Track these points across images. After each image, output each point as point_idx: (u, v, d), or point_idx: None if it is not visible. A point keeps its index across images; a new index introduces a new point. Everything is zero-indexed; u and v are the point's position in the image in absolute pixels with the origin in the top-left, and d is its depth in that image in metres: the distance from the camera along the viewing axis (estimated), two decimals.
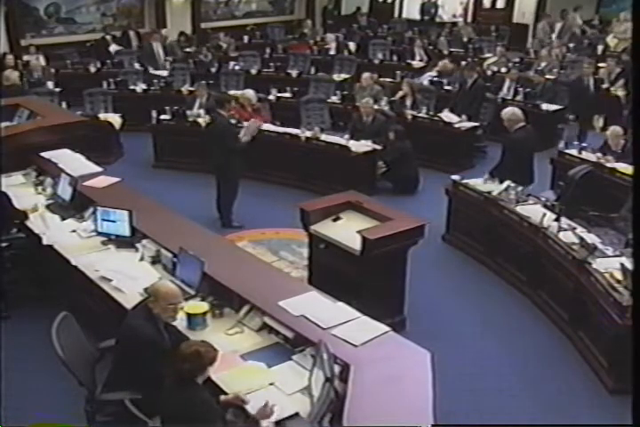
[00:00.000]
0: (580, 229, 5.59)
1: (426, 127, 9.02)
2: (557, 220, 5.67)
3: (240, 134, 6.98)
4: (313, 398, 3.36)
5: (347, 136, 8.29)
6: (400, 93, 9.71)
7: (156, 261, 4.83)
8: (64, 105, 9.28)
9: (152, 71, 11.92)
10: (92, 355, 3.95)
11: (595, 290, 4.89)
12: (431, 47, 13.85)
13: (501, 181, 6.53)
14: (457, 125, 8.83)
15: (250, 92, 9.04)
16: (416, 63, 12.55)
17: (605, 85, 10.65)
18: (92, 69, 11.78)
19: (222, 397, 3.44)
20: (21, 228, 5.44)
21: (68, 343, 3.68)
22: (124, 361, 3.74)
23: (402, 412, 3.13)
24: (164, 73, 11.83)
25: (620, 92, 10.23)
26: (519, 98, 9.89)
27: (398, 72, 11.44)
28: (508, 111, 6.94)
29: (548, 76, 10.98)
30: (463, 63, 11.75)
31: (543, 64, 11.67)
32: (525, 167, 6.79)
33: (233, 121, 7.54)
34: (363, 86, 10.02)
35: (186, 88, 10.69)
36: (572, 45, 13.97)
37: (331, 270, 5.21)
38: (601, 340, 4.88)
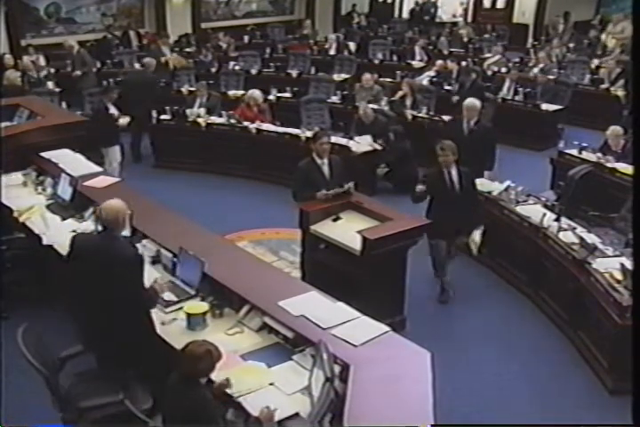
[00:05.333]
0: (579, 229, 5.59)
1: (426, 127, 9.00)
2: (557, 220, 5.67)
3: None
4: (313, 398, 3.36)
5: (351, 133, 8.35)
6: (400, 93, 9.71)
7: (155, 261, 4.82)
8: (64, 105, 9.28)
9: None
10: (54, 364, 3.85)
11: (595, 290, 4.90)
12: (431, 47, 13.86)
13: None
14: None
15: (256, 93, 9.02)
16: (416, 63, 12.55)
17: (605, 85, 10.67)
18: (93, 69, 11.79)
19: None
20: (15, 225, 5.43)
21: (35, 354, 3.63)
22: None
23: (402, 412, 3.13)
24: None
25: (620, 92, 10.24)
26: (519, 98, 9.90)
27: (398, 72, 11.44)
28: (471, 101, 6.97)
29: (547, 76, 10.98)
30: (463, 64, 11.77)
31: (541, 65, 11.67)
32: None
33: None
34: (363, 87, 10.02)
35: (186, 88, 10.70)
36: (571, 45, 13.97)
37: (330, 270, 5.20)
38: (601, 340, 4.89)
